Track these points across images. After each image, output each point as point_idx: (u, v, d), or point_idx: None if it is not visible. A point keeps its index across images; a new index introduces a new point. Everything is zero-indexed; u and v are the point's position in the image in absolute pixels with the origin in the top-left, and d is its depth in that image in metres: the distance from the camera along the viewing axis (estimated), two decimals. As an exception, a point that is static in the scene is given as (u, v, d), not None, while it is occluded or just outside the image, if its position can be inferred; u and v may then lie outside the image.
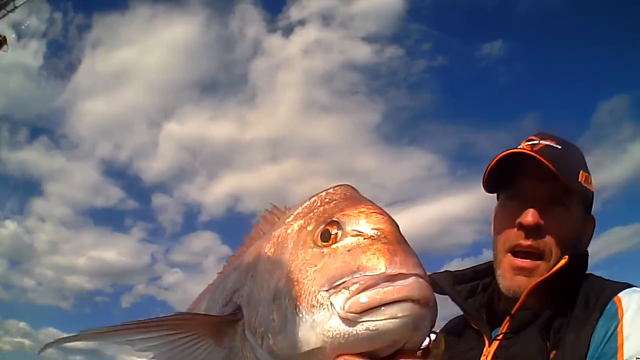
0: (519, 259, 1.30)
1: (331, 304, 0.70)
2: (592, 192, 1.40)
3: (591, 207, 1.43)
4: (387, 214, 0.81)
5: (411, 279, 0.68)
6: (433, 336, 0.76)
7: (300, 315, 0.73)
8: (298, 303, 0.74)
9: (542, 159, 1.26)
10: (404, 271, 0.69)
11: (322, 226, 0.80)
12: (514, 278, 1.30)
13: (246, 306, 0.89)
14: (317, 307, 0.71)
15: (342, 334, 0.68)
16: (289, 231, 0.89)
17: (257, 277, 0.90)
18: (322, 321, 0.70)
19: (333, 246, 0.76)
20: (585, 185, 1.35)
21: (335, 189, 0.92)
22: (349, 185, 0.93)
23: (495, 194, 1.43)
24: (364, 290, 0.68)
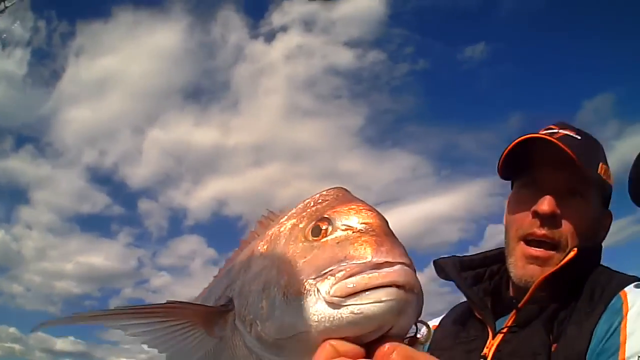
0: (533, 248, 1.25)
1: (317, 289, 0.71)
2: (611, 186, 1.35)
3: (609, 201, 1.37)
4: (376, 210, 0.83)
5: (397, 267, 0.70)
6: (423, 328, 0.76)
7: (288, 301, 0.75)
8: (286, 290, 0.76)
9: (563, 146, 1.21)
10: (390, 259, 0.70)
11: (313, 222, 0.82)
12: (527, 267, 1.25)
13: (237, 297, 0.91)
14: (304, 293, 0.72)
15: (327, 318, 0.69)
16: (281, 229, 0.91)
17: (249, 271, 0.92)
18: (308, 306, 0.71)
19: (323, 240, 0.78)
20: (604, 177, 1.30)
21: (329, 191, 0.94)
22: (342, 188, 0.95)
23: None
24: (350, 276, 0.69)
